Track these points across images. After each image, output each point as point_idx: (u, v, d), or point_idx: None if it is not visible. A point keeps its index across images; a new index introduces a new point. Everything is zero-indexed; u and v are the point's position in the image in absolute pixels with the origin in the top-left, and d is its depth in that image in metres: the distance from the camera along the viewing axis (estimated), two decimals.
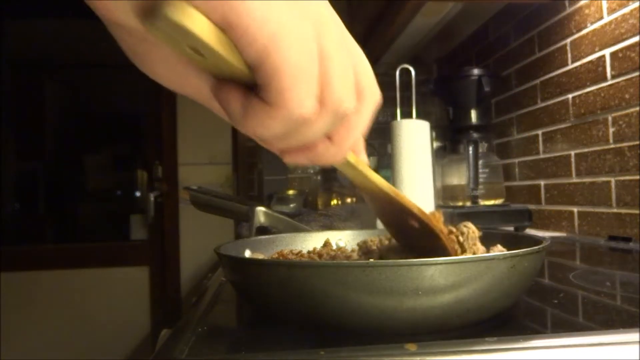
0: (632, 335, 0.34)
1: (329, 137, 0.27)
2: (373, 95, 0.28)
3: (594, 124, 1.04)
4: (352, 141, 0.29)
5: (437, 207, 0.97)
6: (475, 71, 1.22)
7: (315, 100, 0.23)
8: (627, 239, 0.92)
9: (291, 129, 0.24)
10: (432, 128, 0.96)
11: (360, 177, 0.38)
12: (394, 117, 0.96)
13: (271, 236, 0.62)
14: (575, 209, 1.12)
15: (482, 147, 1.21)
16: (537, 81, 1.25)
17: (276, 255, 0.56)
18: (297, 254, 0.55)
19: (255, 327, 0.44)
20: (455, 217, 1.09)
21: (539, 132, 1.25)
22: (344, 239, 0.63)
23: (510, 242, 0.49)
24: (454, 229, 0.46)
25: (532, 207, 1.24)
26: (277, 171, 1.82)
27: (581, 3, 1.08)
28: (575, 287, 0.55)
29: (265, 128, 0.23)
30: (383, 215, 0.47)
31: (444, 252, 0.43)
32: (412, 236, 0.45)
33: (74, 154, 3.98)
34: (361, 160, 0.35)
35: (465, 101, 1.23)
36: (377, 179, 0.39)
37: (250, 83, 0.23)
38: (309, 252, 0.56)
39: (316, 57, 0.23)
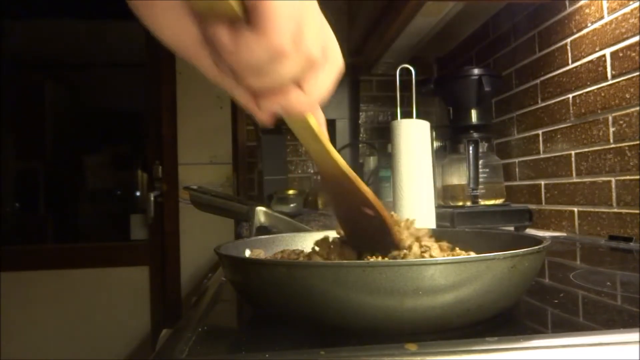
0: (632, 335, 0.34)
1: (299, 85, 0.31)
2: (337, 62, 0.34)
3: (595, 123, 1.04)
4: (319, 94, 0.33)
5: (438, 207, 0.97)
6: (476, 71, 1.22)
7: (292, 40, 0.28)
8: (628, 239, 0.92)
9: (272, 59, 0.28)
10: (432, 128, 0.96)
11: (319, 148, 0.38)
12: (394, 117, 0.96)
13: (271, 236, 0.62)
14: (575, 209, 1.11)
15: (483, 146, 1.21)
16: (538, 81, 1.25)
17: (279, 256, 0.56)
18: (298, 254, 0.55)
19: (255, 327, 0.44)
20: (456, 217, 1.09)
21: (540, 131, 1.25)
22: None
23: (510, 242, 0.49)
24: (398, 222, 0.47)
25: (532, 206, 1.24)
26: (277, 171, 1.82)
27: (581, 3, 1.08)
28: (575, 287, 0.55)
29: (250, 53, 0.28)
30: (336, 204, 0.46)
31: (393, 246, 0.45)
32: (363, 229, 0.45)
33: (74, 154, 3.98)
34: (322, 131, 0.37)
35: (466, 101, 1.23)
36: (335, 154, 0.39)
37: (236, 20, 0.28)
38: (308, 253, 0.56)
39: (299, 13, 0.28)
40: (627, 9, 0.94)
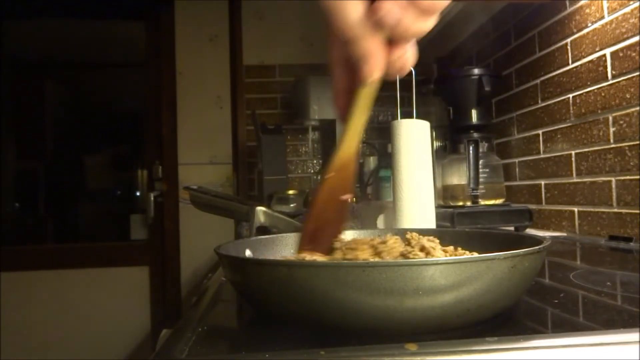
0: (632, 335, 0.34)
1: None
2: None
3: (595, 123, 1.04)
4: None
5: (438, 207, 0.97)
6: (476, 71, 1.22)
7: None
8: (628, 239, 0.92)
9: (426, 13, 0.34)
10: (432, 128, 0.96)
11: (362, 122, 0.41)
12: (394, 117, 0.96)
13: (271, 236, 0.62)
14: (575, 209, 1.11)
15: (483, 146, 1.21)
16: (538, 81, 1.25)
17: (279, 256, 0.56)
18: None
19: (255, 327, 0.44)
20: (456, 217, 1.09)
21: (540, 131, 1.25)
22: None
23: (510, 242, 0.49)
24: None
25: (532, 206, 1.24)
26: (277, 171, 1.82)
27: (582, 2, 1.08)
28: (575, 287, 0.55)
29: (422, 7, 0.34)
30: (325, 200, 0.46)
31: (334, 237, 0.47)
32: (326, 227, 0.47)
33: (74, 154, 3.98)
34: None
35: (466, 101, 1.23)
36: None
37: None
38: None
39: None
40: (627, 9, 0.94)
